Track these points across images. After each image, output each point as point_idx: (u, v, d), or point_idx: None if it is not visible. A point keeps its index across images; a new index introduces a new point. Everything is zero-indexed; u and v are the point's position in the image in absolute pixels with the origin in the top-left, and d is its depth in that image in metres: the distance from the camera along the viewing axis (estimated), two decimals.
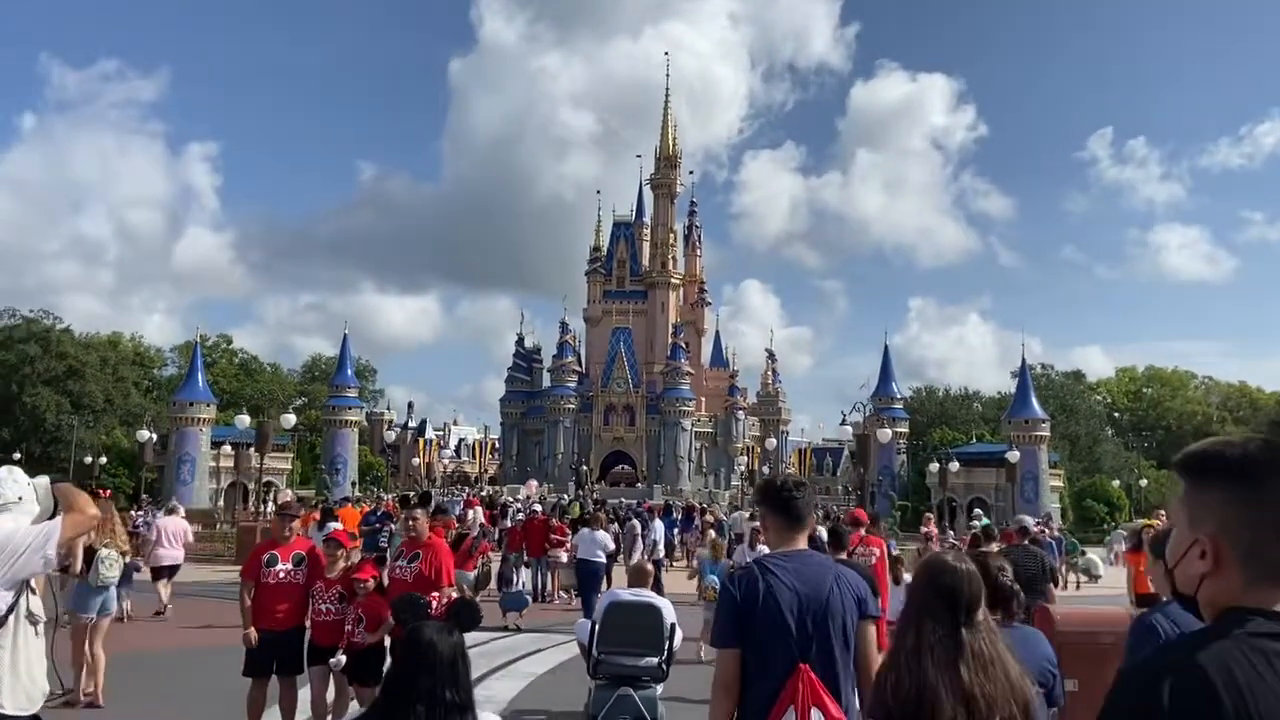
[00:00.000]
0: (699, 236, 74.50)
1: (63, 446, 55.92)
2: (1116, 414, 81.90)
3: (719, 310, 75.59)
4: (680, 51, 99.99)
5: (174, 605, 13.68)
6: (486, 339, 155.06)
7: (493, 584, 14.47)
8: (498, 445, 74.61)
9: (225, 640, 6.63)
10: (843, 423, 30.19)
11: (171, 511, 15.60)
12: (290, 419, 31.83)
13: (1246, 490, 1.19)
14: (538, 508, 20.07)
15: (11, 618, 3.04)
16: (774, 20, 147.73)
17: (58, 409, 57.13)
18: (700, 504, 30.11)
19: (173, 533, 14.28)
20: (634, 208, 72.19)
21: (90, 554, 8.06)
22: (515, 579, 14.93)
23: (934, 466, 45.14)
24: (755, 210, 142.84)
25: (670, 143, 70.70)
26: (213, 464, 49.41)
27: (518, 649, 11.36)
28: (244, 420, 30.94)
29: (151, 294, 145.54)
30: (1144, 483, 62.88)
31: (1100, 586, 23.12)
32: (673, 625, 7.30)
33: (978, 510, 25.82)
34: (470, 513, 18.82)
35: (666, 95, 71.94)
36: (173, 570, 13.93)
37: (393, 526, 13.98)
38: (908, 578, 9.26)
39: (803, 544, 3.11)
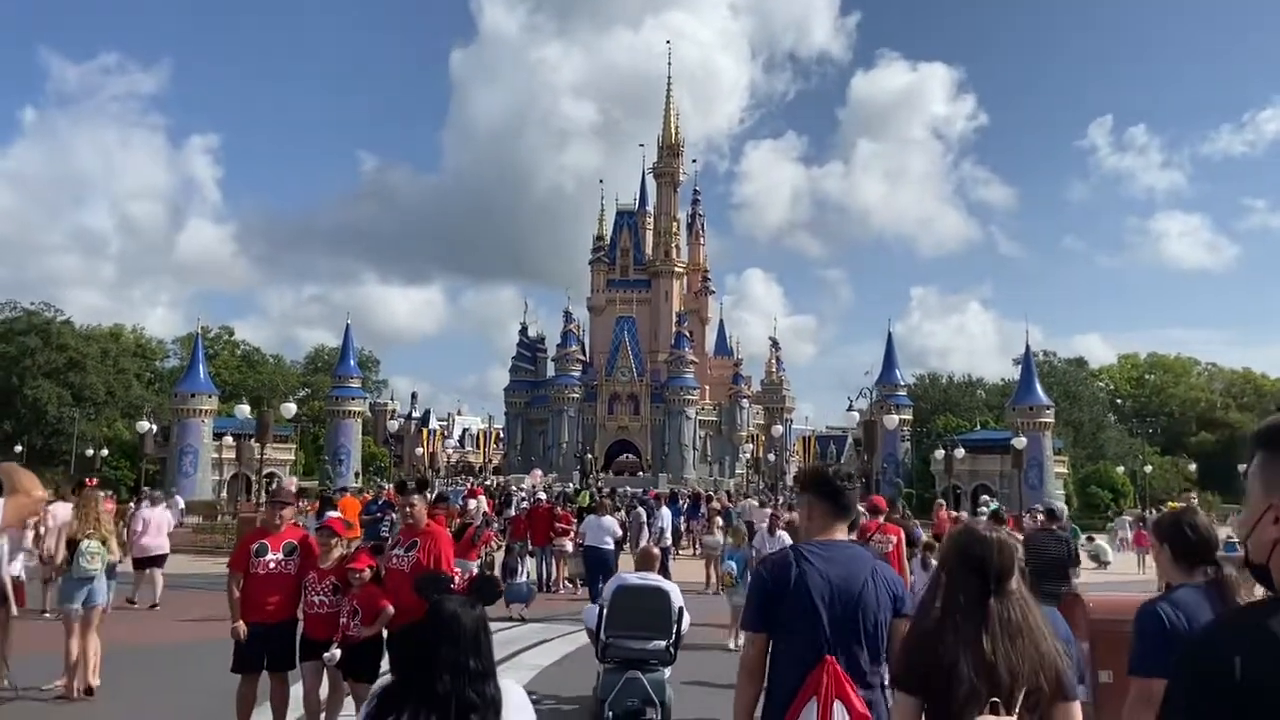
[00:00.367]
0: (702, 225, 74.10)
1: (64, 439, 55.81)
2: (1119, 400, 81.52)
3: (722, 299, 75.20)
4: (681, 41, 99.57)
5: (165, 596, 13.50)
6: (490, 329, 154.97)
7: (496, 574, 14.24)
8: (502, 435, 74.43)
9: (215, 634, 6.37)
10: (849, 409, 29.91)
11: (156, 502, 15.44)
12: (291, 408, 31.57)
13: None
14: (542, 496, 19.80)
15: None
16: (774, 10, 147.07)
17: (59, 401, 56.98)
18: (707, 492, 29.84)
19: (158, 523, 14.10)
20: (637, 197, 71.80)
21: (72, 545, 7.85)
22: (520, 569, 14.65)
23: (939, 453, 44.89)
24: (757, 200, 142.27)
25: (673, 131, 70.18)
26: (215, 455, 49.25)
27: (522, 640, 11.10)
28: (244, 410, 30.69)
29: (154, 286, 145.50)
30: (1148, 469, 62.56)
31: (1109, 573, 22.92)
32: (680, 609, 7.24)
33: (985, 497, 25.54)
34: (473, 502, 18.55)
35: (669, 83, 71.44)
36: (160, 560, 13.75)
37: (394, 516, 13.75)
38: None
39: (843, 535, 3.05)
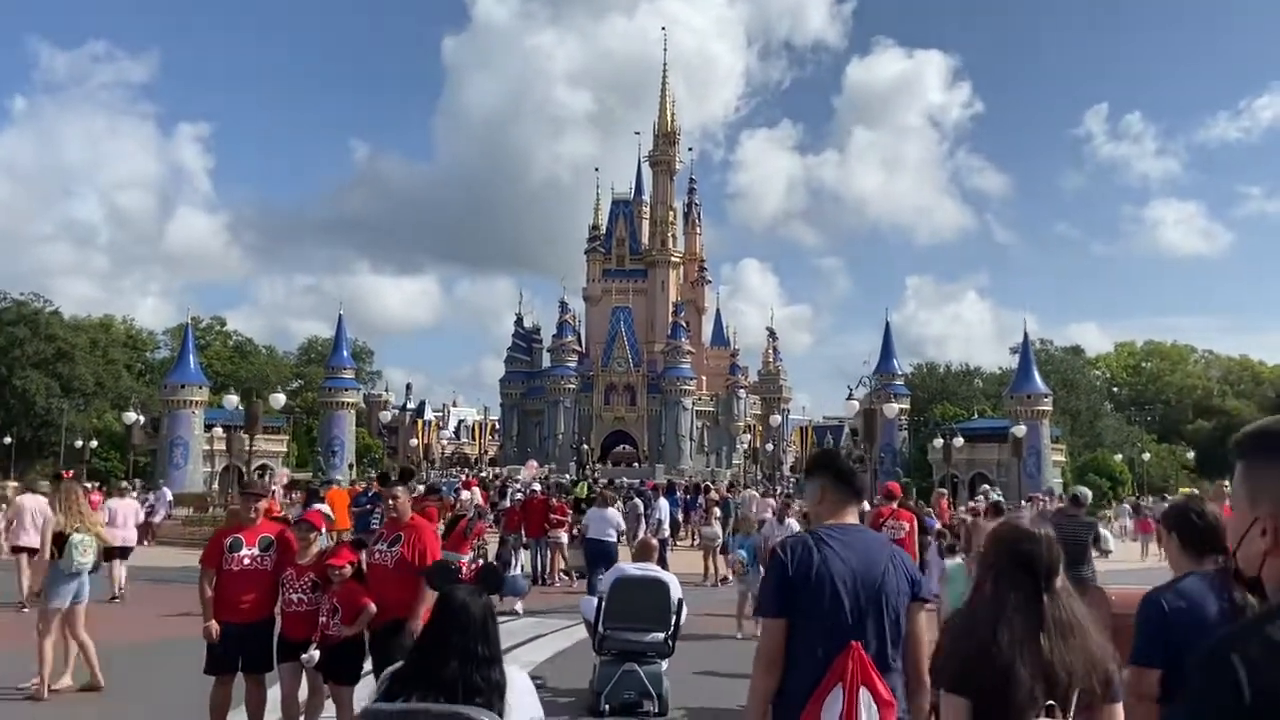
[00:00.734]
0: (699, 214, 73.64)
1: (53, 430, 55.31)
2: (1116, 389, 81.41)
3: (718, 290, 74.83)
4: (676, 29, 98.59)
5: (130, 589, 13.21)
6: (485, 320, 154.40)
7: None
8: (498, 426, 74.10)
9: (192, 631, 5.97)
10: (849, 397, 29.60)
11: (124, 494, 15.12)
12: (280, 399, 31.11)
13: None
14: (536, 487, 19.45)
15: None
16: None
17: (47, 392, 56.44)
18: (705, 482, 29.55)
19: (124, 514, 13.77)
20: (633, 186, 71.29)
21: (61, 539, 7.52)
22: (514, 562, 14.32)
23: (938, 442, 44.62)
24: (752, 189, 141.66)
25: (669, 119, 69.63)
26: (206, 447, 48.81)
27: (517, 635, 10.74)
28: (232, 400, 30.20)
29: (145, 277, 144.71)
30: (1146, 457, 62.48)
31: (1111, 561, 22.64)
32: (679, 600, 7.08)
33: (985, 486, 25.33)
34: (466, 494, 18.19)
35: (664, 70, 70.85)
36: (125, 552, 13.42)
37: (385, 508, 13.38)
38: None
39: (854, 519, 3.01)
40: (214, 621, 5.42)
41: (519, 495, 18.69)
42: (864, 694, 2.61)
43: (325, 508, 12.12)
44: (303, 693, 5.63)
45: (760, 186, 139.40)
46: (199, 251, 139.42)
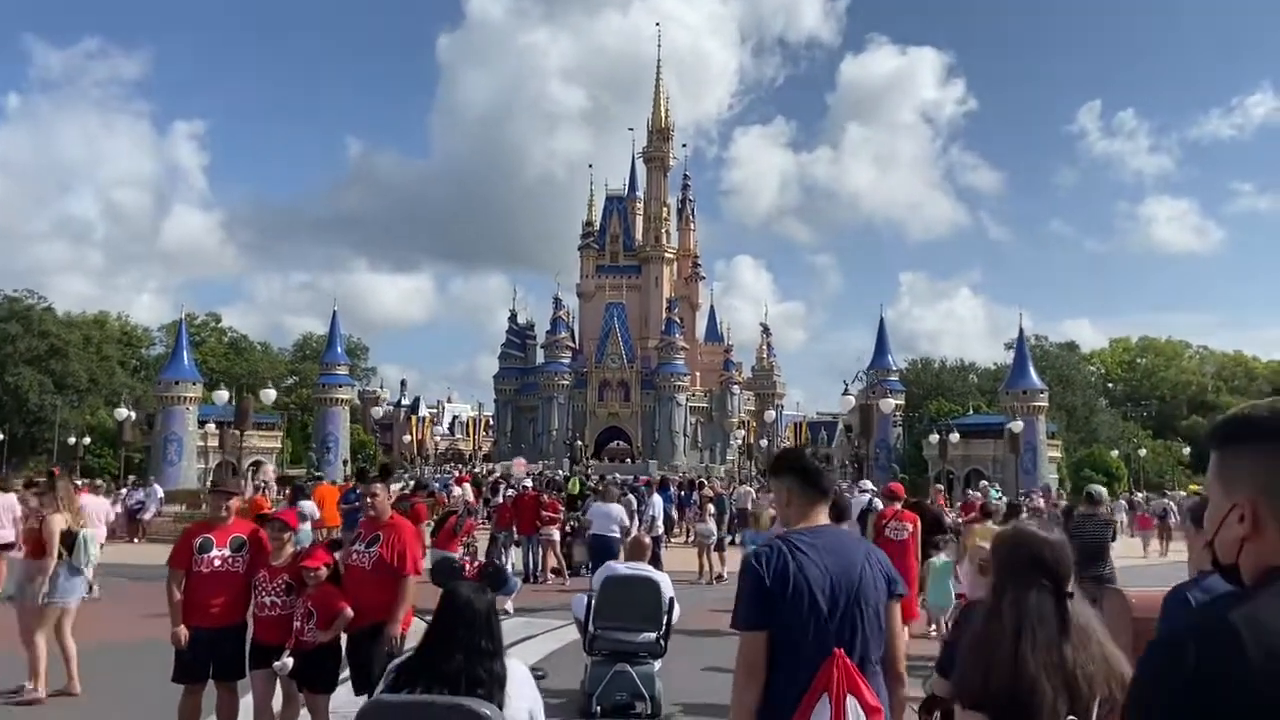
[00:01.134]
0: (692, 210, 73.43)
1: (46, 427, 54.97)
2: (1110, 385, 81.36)
3: (712, 286, 74.60)
4: (670, 26, 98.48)
5: (130, 589, 12.95)
6: (479, 317, 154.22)
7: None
8: (491, 422, 73.83)
9: (155, 632, 5.73)
10: (845, 392, 29.42)
11: (97, 490, 14.88)
12: (271, 394, 30.81)
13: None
14: (529, 484, 19.20)
15: None
16: None
17: (40, 389, 56.05)
18: (700, 478, 29.34)
19: (95, 511, 13.52)
20: (626, 182, 71.06)
21: (70, 536, 7.34)
22: (504, 560, 14.09)
23: (934, 438, 44.48)
24: (746, 186, 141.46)
25: (662, 115, 69.37)
26: (200, 443, 48.51)
27: (508, 635, 10.42)
28: (222, 396, 29.88)
29: (141, 274, 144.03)
30: (1143, 453, 62.44)
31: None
32: (671, 599, 6.95)
33: (984, 483, 25.20)
34: (457, 490, 17.94)
35: (658, 66, 70.59)
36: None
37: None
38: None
39: (825, 519, 2.89)
40: (183, 626, 5.17)
41: (510, 492, 18.45)
42: (851, 702, 2.56)
43: (311, 505, 11.92)
44: (277, 701, 5.40)
45: (754, 183, 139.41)
46: (195, 249, 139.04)
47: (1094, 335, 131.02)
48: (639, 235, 69.11)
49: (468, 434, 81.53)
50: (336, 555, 5.42)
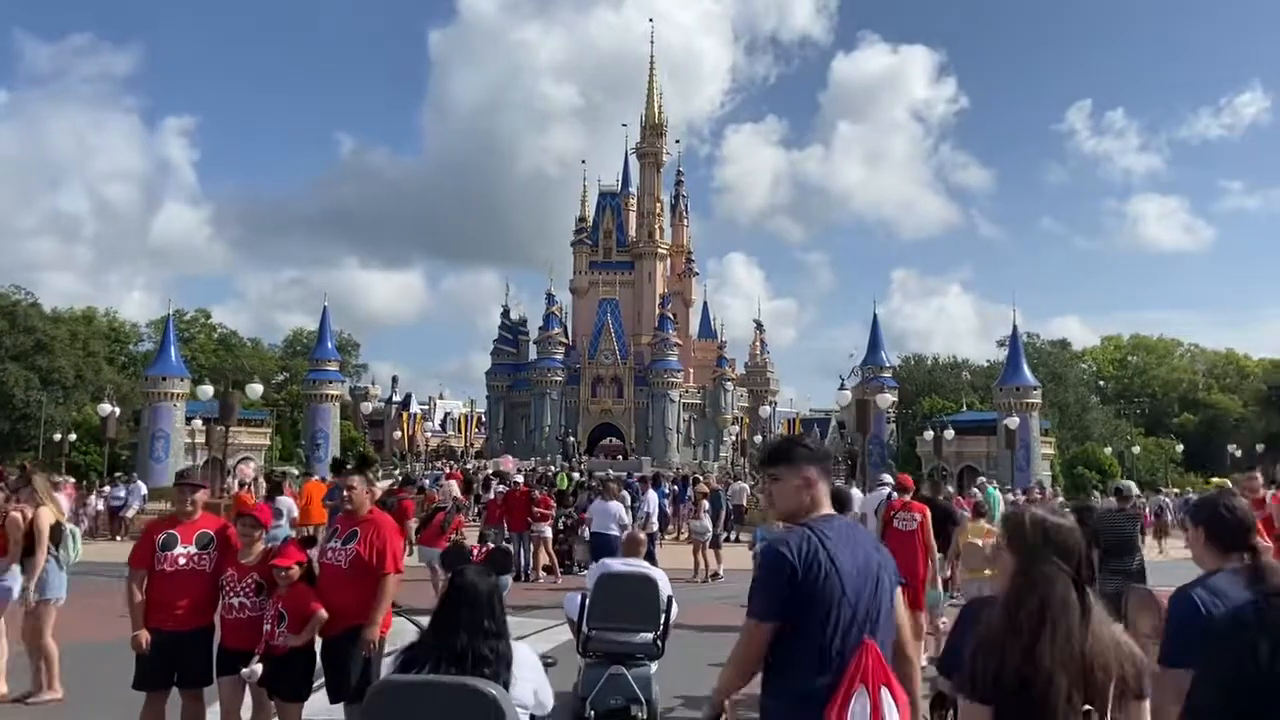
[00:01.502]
0: (686, 206, 73.12)
1: (33, 424, 54.30)
2: (1102, 382, 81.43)
3: (705, 283, 74.25)
4: (662, 24, 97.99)
5: (99, 584, 12.56)
6: (472, 314, 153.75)
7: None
8: (484, 419, 73.38)
9: (117, 632, 5.32)
10: (841, 387, 29.15)
11: (58, 487, 14.44)
12: (257, 389, 30.27)
13: None
14: (519, 479, 18.85)
15: None
16: None
17: (26, 385, 55.36)
18: (695, 474, 29.01)
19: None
20: (619, 178, 70.66)
21: (57, 531, 7.08)
22: None
23: (928, 434, 44.26)
24: (738, 184, 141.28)
25: (656, 110, 69.02)
26: (188, 440, 47.97)
27: None
28: (206, 391, 29.31)
29: (131, 271, 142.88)
30: (1136, 450, 62.43)
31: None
32: (669, 598, 6.66)
33: (981, 479, 24.97)
34: (443, 486, 17.56)
35: (651, 62, 70.19)
36: None
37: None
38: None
39: (829, 509, 2.84)
40: (144, 630, 4.79)
41: (502, 488, 18.09)
42: (884, 695, 2.53)
43: (288, 500, 11.52)
44: (246, 709, 5.01)
45: (746, 181, 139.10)
46: (184, 245, 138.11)
47: (1084, 333, 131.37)
48: (632, 231, 68.75)
49: (460, 431, 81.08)
50: (311, 553, 5.04)
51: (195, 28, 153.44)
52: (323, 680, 4.95)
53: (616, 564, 7.32)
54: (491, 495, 18.40)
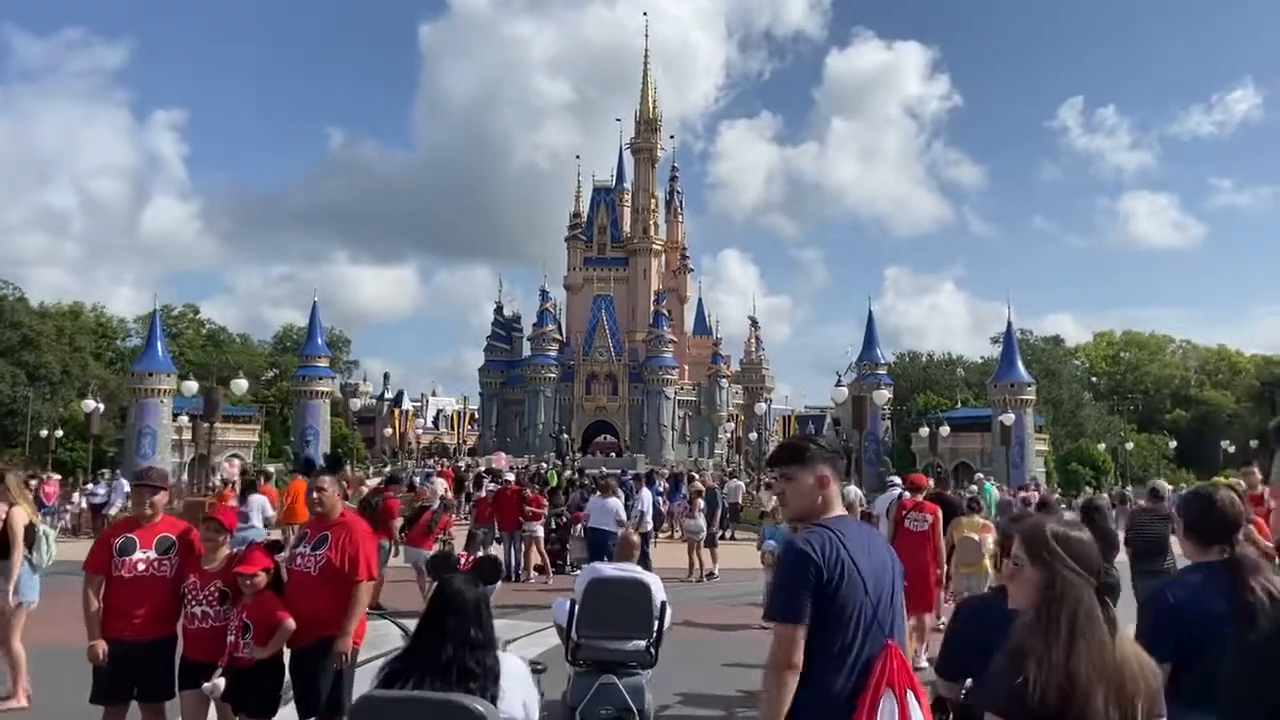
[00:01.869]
0: (680, 202, 72.77)
1: (19, 419, 53.70)
2: (1095, 379, 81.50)
3: (700, 279, 73.98)
4: (656, 18, 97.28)
5: (64, 586, 12.24)
6: (465, 310, 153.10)
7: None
8: (477, 416, 72.96)
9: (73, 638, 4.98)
10: (838, 384, 28.89)
11: None
12: (242, 384, 29.79)
13: None
14: (510, 477, 18.50)
15: None
16: None
17: (13, 380, 54.75)
18: (691, 472, 28.68)
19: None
20: (614, 173, 70.26)
21: (30, 533, 6.78)
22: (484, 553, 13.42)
23: (923, 431, 44.09)
24: (732, 180, 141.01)
25: (651, 105, 68.67)
26: (175, 437, 47.49)
27: None
28: (190, 387, 28.83)
29: (120, 266, 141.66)
30: (1130, 446, 62.41)
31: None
32: (663, 604, 6.40)
33: (979, 475, 24.75)
34: (432, 483, 17.21)
35: (646, 57, 69.86)
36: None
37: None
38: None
39: (842, 509, 2.80)
40: (101, 640, 4.46)
41: (493, 486, 17.75)
42: (910, 697, 2.51)
43: (262, 499, 11.15)
44: None
45: (740, 177, 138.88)
46: (174, 240, 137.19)
47: (1076, 330, 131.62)
48: (627, 227, 68.39)
49: (452, 428, 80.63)
50: (280, 558, 4.70)
51: (186, 22, 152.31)
52: (291, 695, 4.62)
53: (607, 568, 7.02)
54: (483, 493, 18.06)
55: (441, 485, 16.61)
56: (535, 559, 15.16)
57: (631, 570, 7.12)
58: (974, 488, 23.83)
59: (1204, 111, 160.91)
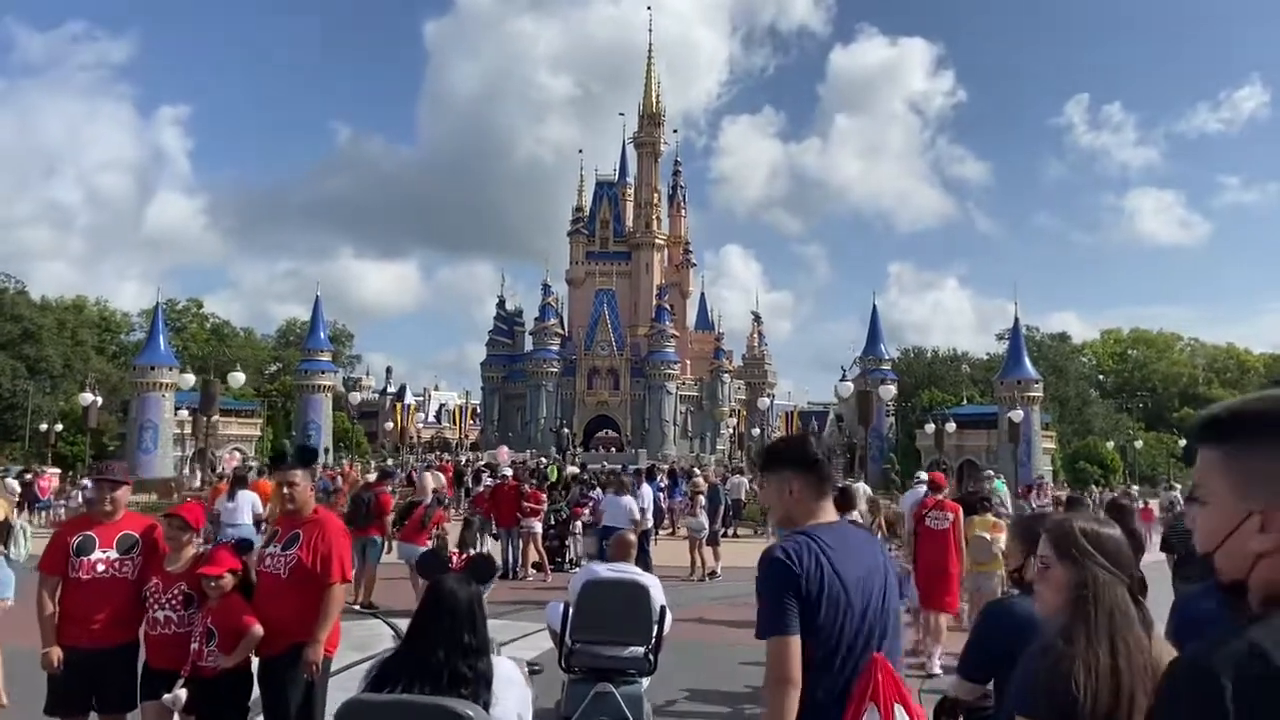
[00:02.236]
0: (683, 196, 72.43)
1: (20, 413, 53.60)
2: (1102, 376, 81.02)
3: (702, 274, 73.63)
4: (660, 13, 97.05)
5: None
6: (467, 304, 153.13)
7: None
8: (479, 410, 72.76)
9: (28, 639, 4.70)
10: (843, 379, 28.57)
11: None
12: (239, 378, 29.53)
13: None
14: (508, 472, 18.21)
15: None
16: None
17: (14, 374, 54.64)
18: (693, 467, 28.35)
19: None
20: (617, 168, 69.94)
21: (5, 529, 6.69)
22: (479, 548, 13.13)
23: (930, 428, 43.70)
24: (735, 176, 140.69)
25: (654, 99, 68.28)
26: (177, 431, 47.35)
27: None
28: (188, 380, 28.60)
29: (124, 261, 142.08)
30: (1139, 445, 62.00)
31: None
32: (662, 608, 6.11)
33: (989, 472, 24.48)
34: (426, 477, 16.91)
35: (649, 51, 69.45)
36: None
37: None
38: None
39: (834, 513, 2.68)
40: (56, 647, 4.16)
41: (490, 481, 17.47)
42: (899, 711, 2.40)
43: (252, 495, 10.87)
44: None
45: (743, 173, 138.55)
46: (179, 235, 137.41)
47: (1081, 327, 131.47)
48: (629, 221, 68.07)
49: (454, 422, 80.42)
50: (247, 558, 4.39)
51: (190, 16, 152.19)
52: (262, 706, 4.31)
53: (603, 569, 6.70)
54: (480, 488, 17.78)
55: (433, 479, 16.34)
56: (533, 556, 14.86)
57: (629, 571, 6.80)
58: (985, 485, 23.52)
59: (1211, 109, 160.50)
